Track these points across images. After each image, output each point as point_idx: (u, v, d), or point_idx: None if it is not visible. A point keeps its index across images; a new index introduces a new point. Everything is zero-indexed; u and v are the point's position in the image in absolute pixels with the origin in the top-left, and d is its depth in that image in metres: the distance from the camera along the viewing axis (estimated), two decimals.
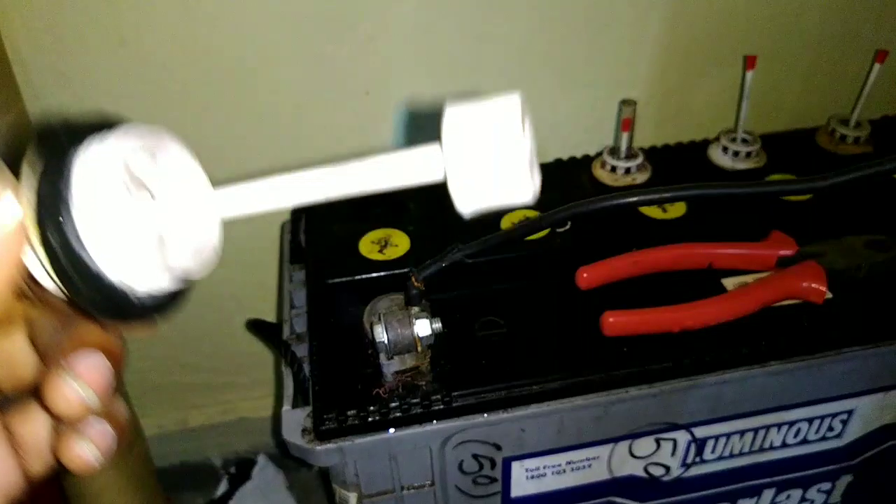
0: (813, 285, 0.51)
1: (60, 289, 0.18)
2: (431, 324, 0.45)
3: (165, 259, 0.19)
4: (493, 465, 0.52)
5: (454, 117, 0.19)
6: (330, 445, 0.46)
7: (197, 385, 0.86)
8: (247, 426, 0.91)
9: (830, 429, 0.58)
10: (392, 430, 0.46)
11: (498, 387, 0.48)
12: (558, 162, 0.68)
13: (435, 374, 0.48)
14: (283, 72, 0.64)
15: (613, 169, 0.62)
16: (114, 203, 0.18)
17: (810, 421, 0.56)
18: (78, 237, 0.17)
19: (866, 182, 0.40)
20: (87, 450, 0.22)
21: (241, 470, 0.93)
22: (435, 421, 0.47)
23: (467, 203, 0.19)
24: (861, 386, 0.55)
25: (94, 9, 0.58)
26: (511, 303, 0.53)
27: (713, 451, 0.56)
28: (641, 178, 0.63)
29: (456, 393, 0.47)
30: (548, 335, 0.51)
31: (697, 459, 0.56)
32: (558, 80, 0.68)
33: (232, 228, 0.66)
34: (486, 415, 0.47)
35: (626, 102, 0.60)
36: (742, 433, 0.55)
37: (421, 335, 0.44)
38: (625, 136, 0.61)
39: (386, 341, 0.44)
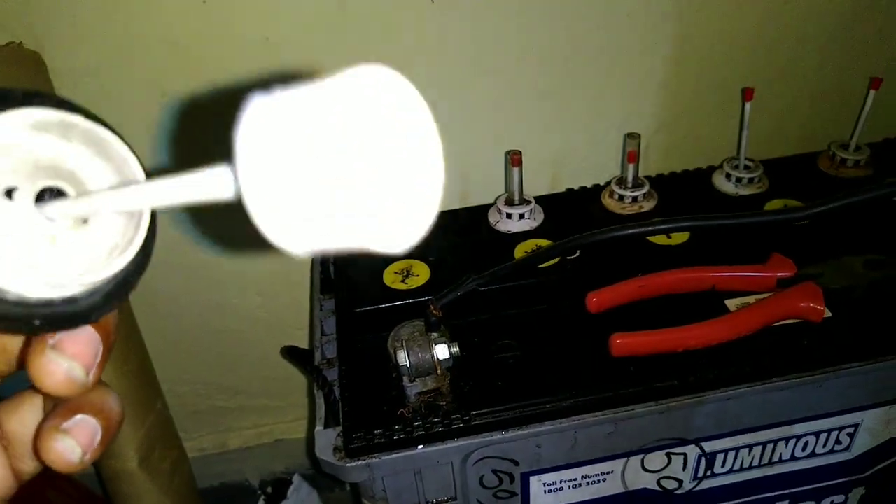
0: (811, 305, 0.54)
1: None
2: (450, 348, 0.49)
3: (63, 262, 0.17)
4: (511, 479, 0.55)
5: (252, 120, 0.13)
6: (359, 462, 0.50)
7: (235, 409, 0.91)
8: (282, 448, 0.95)
9: (838, 442, 0.60)
10: (418, 448, 0.50)
11: (513, 406, 0.51)
12: (569, 191, 0.72)
13: (455, 394, 0.52)
14: None
15: (621, 198, 0.66)
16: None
17: (817, 435, 0.59)
18: None
19: (846, 210, 0.43)
20: (67, 446, 0.21)
21: (278, 490, 0.97)
22: (456, 438, 0.50)
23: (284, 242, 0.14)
24: (864, 400, 0.57)
25: (139, 66, 0.64)
26: (525, 327, 0.57)
27: (723, 465, 0.59)
28: (648, 205, 0.66)
29: (475, 412, 0.51)
30: (559, 356, 0.55)
31: (709, 473, 0.59)
32: (568, 115, 0.72)
33: (267, 262, 0.70)
34: (503, 432, 0.51)
35: (630, 136, 0.64)
36: (750, 447, 0.58)
37: (440, 358, 0.48)
38: (630, 167, 0.65)
39: (408, 365, 0.48)
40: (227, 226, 0.74)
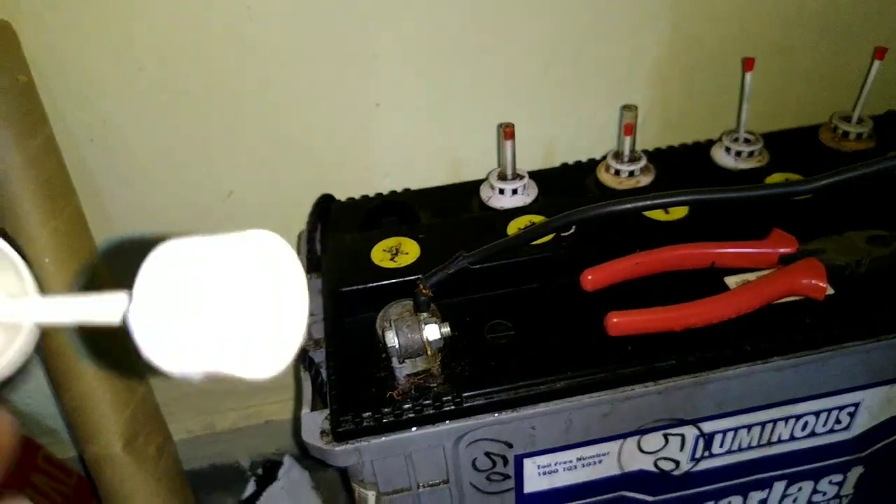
0: (813, 282, 0.52)
1: None
2: (440, 328, 0.47)
3: None
4: (505, 462, 0.54)
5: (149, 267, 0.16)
6: (347, 446, 0.48)
7: (222, 391, 0.89)
8: (272, 429, 0.94)
9: (838, 421, 0.59)
10: (407, 431, 0.48)
11: (507, 387, 0.49)
12: (564, 166, 0.70)
13: (446, 376, 0.50)
14: (299, 97, 0.66)
15: (617, 172, 0.64)
16: None
17: (817, 414, 0.57)
18: None
19: (852, 184, 0.41)
20: None
21: (268, 471, 0.96)
22: (447, 421, 0.49)
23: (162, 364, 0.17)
24: (866, 379, 0.56)
25: (115, 37, 0.61)
26: (518, 306, 0.55)
27: (721, 446, 0.58)
28: (645, 180, 0.64)
29: (466, 394, 0.49)
30: (554, 336, 0.53)
31: (706, 454, 0.58)
32: (562, 89, 0.69)
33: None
34: (496, 414, 0.49)
35: (627, 108, 0.62)
36: (749, 427, 0.57)
37: (430, 339, 0.47)
38: (627, 140, 0.63)
39: (397, 346, 0.47)
40: (208, 208, 0.72)
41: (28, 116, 0.63)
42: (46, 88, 0.63)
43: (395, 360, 0.49)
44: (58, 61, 0.62)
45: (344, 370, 0.52)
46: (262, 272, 0.15)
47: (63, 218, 0.65)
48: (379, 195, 0.69)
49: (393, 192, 0.69)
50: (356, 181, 0.72)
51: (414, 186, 0.69)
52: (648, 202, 0.48)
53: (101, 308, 0.17)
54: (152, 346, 0.16)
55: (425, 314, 0.47)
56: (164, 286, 0.15)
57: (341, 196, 0.69)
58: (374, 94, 0.68)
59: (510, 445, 0.52)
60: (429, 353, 0.47)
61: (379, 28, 0.63)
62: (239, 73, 0.64)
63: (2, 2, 0.59)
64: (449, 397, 0.49)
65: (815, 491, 0.65)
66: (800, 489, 0.64)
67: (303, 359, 0.54)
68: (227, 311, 0.15)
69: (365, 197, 0.69)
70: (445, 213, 0.65)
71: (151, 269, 0.16)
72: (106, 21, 0.60)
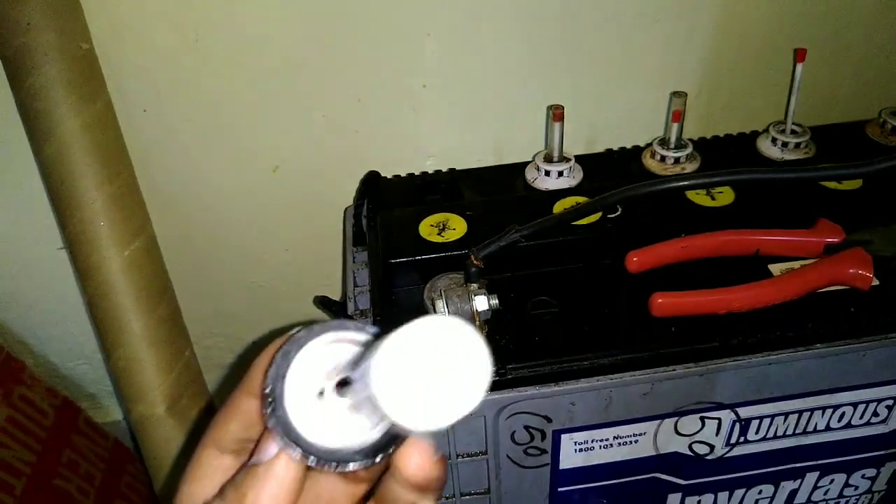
0: (859, 272, 0.52)
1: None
2: (489, 300, 0.48)
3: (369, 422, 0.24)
4: (543, 436, 0.54)
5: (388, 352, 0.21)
6: None
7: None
8: None
9: (876, 414, 0.59)
10: None
11: (550, 361, 0.50)
12: (608, 152, 0.70)
13: (491, 348, 0.51)
14: (347, 74, 0.67)
15: (663, 159, 0.65)
16: (309, 393, 0.24)
17: (855, 406, 0.58)
18: (288, 422, 0.23)
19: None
20: None
21: None
22: (490, 391, 0.50)
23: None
24: None
25: (173, 7, 0.62)
26: (563, 284, 0.56)
27: (757, 432, 0.58)
28: (690, 167, 0.64)
29: (510, 366, 0.50)
30: (598, 315, 0.54)
31: (741, 439, 0.58)
32: (610, 75, 0.70)
33: (296, 212, 0.70)
34: (538, 387, 0.50)
35: (676, 94, 0.62)
36: (786, 415, 0.57)
37: (479, 310, 0.48)
38: (675, 126, 0.63)
39: (447, 315, 0.48)
40: (255, 181, 0.74)
41: (88, 83, 0.65)
42: (106, 56, 0.65)
43: None
44: (117, 30, 0.64)
45: None
46: (458, 356, 0.21)
47: (118, 183, 0.66)
48: (424, 174, 0.70)
49: (438, 171, 0.70)
50: (401, 160, 0.73)
51: (458, 167, 0.70)
52: (696, 181, 0.49)
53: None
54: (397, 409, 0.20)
55: (475, 285, 0.48)
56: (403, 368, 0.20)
57: (387, 174, 0.70)
58: (422, 76, 0.69)
59: (549, 420, 0.53)
60: (477, 323, 0.49)
61: (434, 7, 0.64)
62: (290, 47, 0.65)
63: None
64: (496, 367, 0.50)
65: (847, 485, 0.65)
66: (832, 481, 0.64)
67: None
68: (438, 384, 0.20)
69: (411, 175, 0.70)
70: (490, 193, 0.66)
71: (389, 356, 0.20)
72: None
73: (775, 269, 0.56)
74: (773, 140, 0.66)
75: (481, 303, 0.48)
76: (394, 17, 0.65)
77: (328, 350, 0.24)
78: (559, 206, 0.60)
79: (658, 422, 0.56)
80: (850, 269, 0.53)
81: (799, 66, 0.63)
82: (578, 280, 0.56)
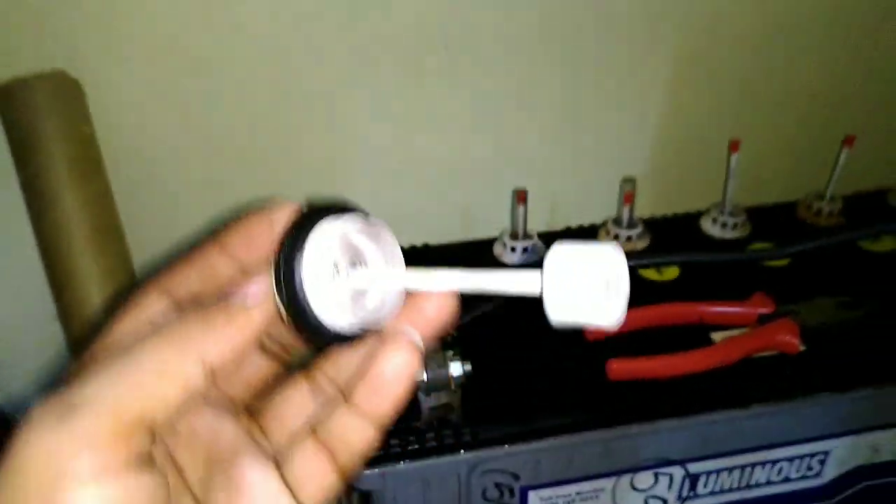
0: (788, 339, 0.59)
1: (289, 325, 0.24)
2: (463, 366, 0.53)
3: (358, 310, 0.25)
4: (511, 493, 0.59)
5: (557, 254, 0.24)
6: (375, 470, 0.54)
7: None
8: None
9: (810, 468, 0.65)
10: (429, 458, 0.54)
11: (517, 422, 0.56)
12: (567, 229, 0.77)
13: (464, 410, 0.56)
14: (321, 153, 0.74)
15: (617, 236, 0.72)
16: (327, 270, 0.24)
17: (791, 460, 0.64)
18: (302, 296, 0.23)
19: (819, 252, 0.49)
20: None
21: None
22: (464, 451, 0.55)
23: (555, 318, 0.24)
24: (834, 428, 0.62)
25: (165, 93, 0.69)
26: (530, 350, 0.62)
27: (706, 486, 0.64)
28: (641, 244, 0.72)
29: (482, 427, 0.55)
30: (562, 378, 0.59)
31: (692, 493, 0.64)
32: (569, 160, 0.78)
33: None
34: (507, 446, 0.55)
35: (626, 180, 0.70)
36: (730, 470, 0.63)
37: (454, 375, 0.53)
38: (626, 208, 0.71)
39: (425, 380, 0.53)
40: None
41: (88, 163, 0.70)
42: (104, 140, 0.70)
43: (420, 394, 0.55)
44: (114, 116, 0.70)
45: None
46: (616, 268, 0.23)
47: (112, 258, 0.71)
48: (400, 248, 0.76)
49: (413, 246, 0.76)
50: None
51: (431, 242, 0.76)
52: (647, 261, 0.56)
53: (521, 282, 0.25)
54: (558, 314, 0.23)
55: (451, 352, 0.54)
56: (567, 272, 0.23)
57: None
58: (397, 155, 0.76)
59: (517, 477, 0.58)
60: (451, 387, 0.54)
61: (397, 107, 0.71)
62: (278, 130, 0.72)
63: (71, 61, 0.67)
64: (466, 429, 0.55)
65: None
66: None
67: None
68: (602, 289, 0.23)
69: None
70: (462, 265, 0.72)
71: (557, 261, 0.23)
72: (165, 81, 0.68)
73: (717, 336, 0.63)
74: (714, 220, 0.74)
75: (456, 368, 0.53)
76: (375, 106, 0.72)
77: (339, 231, 0.25)
78: None
79: (616, 478, 0.61)
80: (780, 336, 0.60)
81: (734, 156, 0.71)
82: (544, 346, 0.62)
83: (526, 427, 0.56)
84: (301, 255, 0.23)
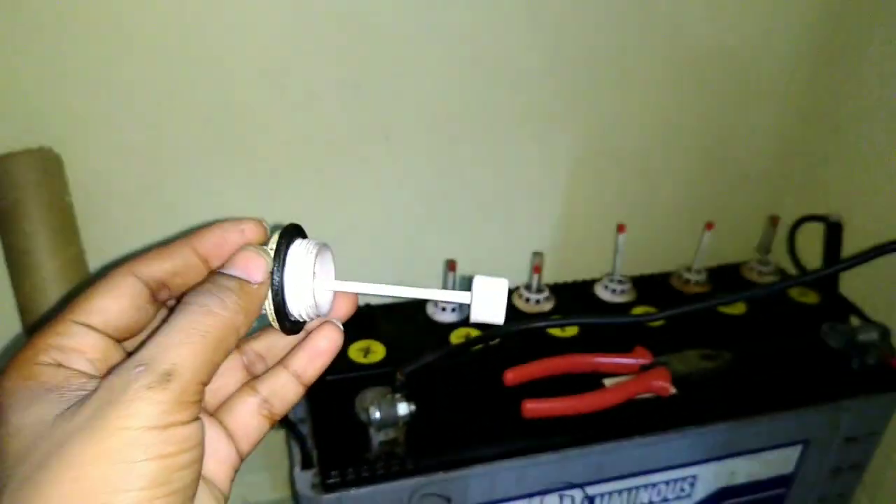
0: (661, 384, 0.75)
1: (271, 317, 0.31)
2: (409, 406, 0.66)
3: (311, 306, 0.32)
4: None
5: (479, 282, 0.32)
6: (333, 495, 0.65)
7: None
8: None
9: (682, 489, 0.80)
10: (379, 484, 0.66)
11: (451, 453, 0.68)
12: None
13: (409, 443, 0.68)
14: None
15: (528, 300, 0.87)
16: (300, 276, 0.31)
17: (667, 483, 0.79)
18: (282, 294, 0.30)
19: (689, 315, 0.65)
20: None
21: None
22: (409, 477, 0.67)
23: (476, 317, 0.32)
24: (700, 456, 0.78)
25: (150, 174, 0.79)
26: (462, 394, 0.75)
27: None
28: (548, 306, 0.87)
29: (423, 457, 0.67)
30: (486, 416, 0.73)
31: None
32: (490, 235, 0.93)
33: None
34: (441, 473, 0.68)
35: (535, 254, 0.86)
36: (620, 491, 0.77)
37: (401, 414, 0.65)
38: (535, 276, 0.86)
39: (378, 418, 0.65)
40: None
41: (66, 230, 0.79)
42: (79, 207, 0.79)
43: (371, 430, 0.67)
44: (93, 185, 0.79)
45: (328, 439, 0.69)
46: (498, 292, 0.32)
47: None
48: None
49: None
50: None
51: (372, 303, 0.89)
52: (552, 323, 0.70)
53: (454, 297, 0.33)
54: (484, 317, 0.32)
55: (399, 395, 0.66)
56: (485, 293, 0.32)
57: None
58: (338, 226, 0.88)
59: (449, 500, 0.70)
60: (399, 424, 0.66)
61: (340, 187, 0.85)
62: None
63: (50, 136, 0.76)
64: (410, 459, 0.67)
65: None
66: None
67: (293, 430, 0.71)
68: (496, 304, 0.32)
69: None
70: (400, 324, 0.85)
71: (480, 287, 0.32)
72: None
73: (607, 382, 0.78)
74: (605, 286, 0.90)
75: (403, 409, 0.65)
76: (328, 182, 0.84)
77: (313, 246, 0.32)
78: (454, 336, 0.79)
79: (528, 500, 0.74)
80: (656, 382, 0.75)
81: (621, 236, 0.88)
82: (471, 390, 0.76)
83: (458, 457, 0.68)
84: (290, 260, 0.31)
